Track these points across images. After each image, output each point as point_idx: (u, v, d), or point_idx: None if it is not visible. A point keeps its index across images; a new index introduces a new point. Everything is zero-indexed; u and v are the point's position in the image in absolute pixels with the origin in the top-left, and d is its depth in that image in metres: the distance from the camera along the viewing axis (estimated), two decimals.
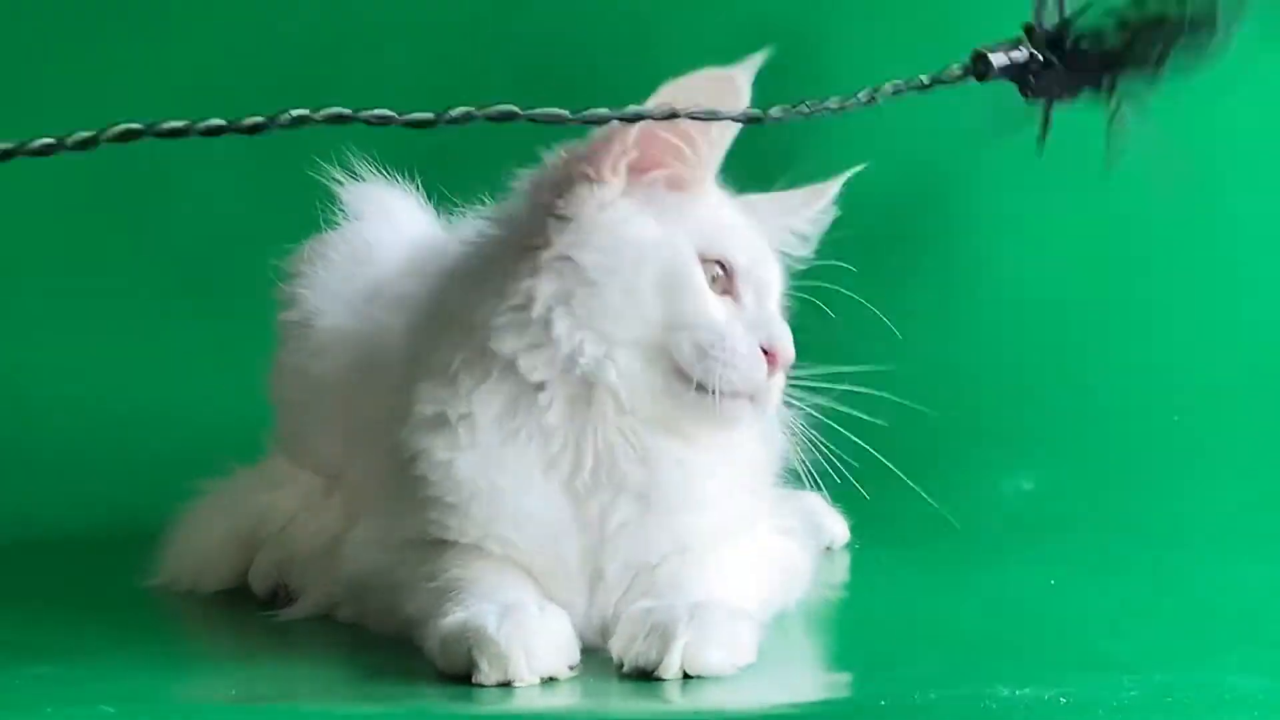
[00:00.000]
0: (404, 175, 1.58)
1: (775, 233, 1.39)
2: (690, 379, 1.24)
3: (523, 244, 1.27)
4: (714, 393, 1.23)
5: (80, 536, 1.82)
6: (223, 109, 2.17)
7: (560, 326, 1.24)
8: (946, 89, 1.18)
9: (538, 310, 1.25)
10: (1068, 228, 2.12)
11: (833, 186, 1.42)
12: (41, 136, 1.03)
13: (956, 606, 1.50)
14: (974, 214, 2.13)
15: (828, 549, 1.71)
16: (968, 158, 2.11)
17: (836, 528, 1.73)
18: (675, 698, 1.16)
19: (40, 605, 1.50)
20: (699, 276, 1.26)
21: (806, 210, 1.42)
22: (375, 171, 1.58)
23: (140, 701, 1.16)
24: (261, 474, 1.57)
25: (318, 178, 1.56)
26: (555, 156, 1.29)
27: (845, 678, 1.33)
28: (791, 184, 1.41)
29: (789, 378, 1.31)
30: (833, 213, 1.43)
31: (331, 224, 1.57)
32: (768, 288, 1.31)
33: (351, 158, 1.57)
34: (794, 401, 1.33)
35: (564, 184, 1.28)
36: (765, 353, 1.26)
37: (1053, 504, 1.92)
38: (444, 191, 1.54)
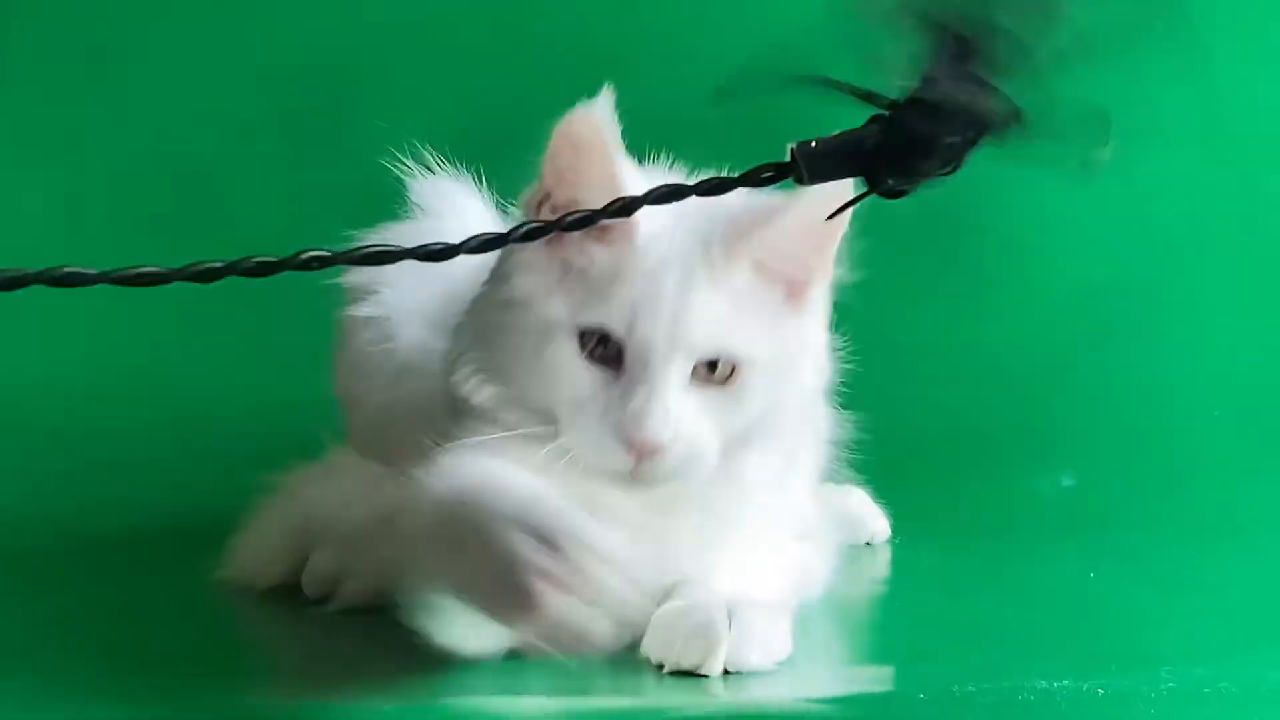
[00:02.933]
0: (463, 167, 1.56)
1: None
2: None
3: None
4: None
5: (144, 534, 1.81)
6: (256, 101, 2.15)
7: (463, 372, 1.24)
8: None
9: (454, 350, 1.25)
10: (1106, 224, 2.11)
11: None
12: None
13: (996, 600, 1.49)
14: (1011, 210, 2.11)
15: (868, 544, 1.70)
16: (1002, 153, 2.10)
17: (878, 523, 1.71)
18: (719, 692, 1.15)
19: (99, 602, 1.50)
20: (562, 347, 1.19)
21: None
22: (441, 164, 1.54)
23: (190, 697, 1.16)
24: (317, 468, 1.52)
25: (389, 165, 1.53)
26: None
27: (885, 670, 1.31)
28: None
29: None
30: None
31: (398, 216, 1.54)
32: (660, 353, 1.18)
33: (419, 149, 1.54)
34: None
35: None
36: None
37: (1093, 500, 1.90)
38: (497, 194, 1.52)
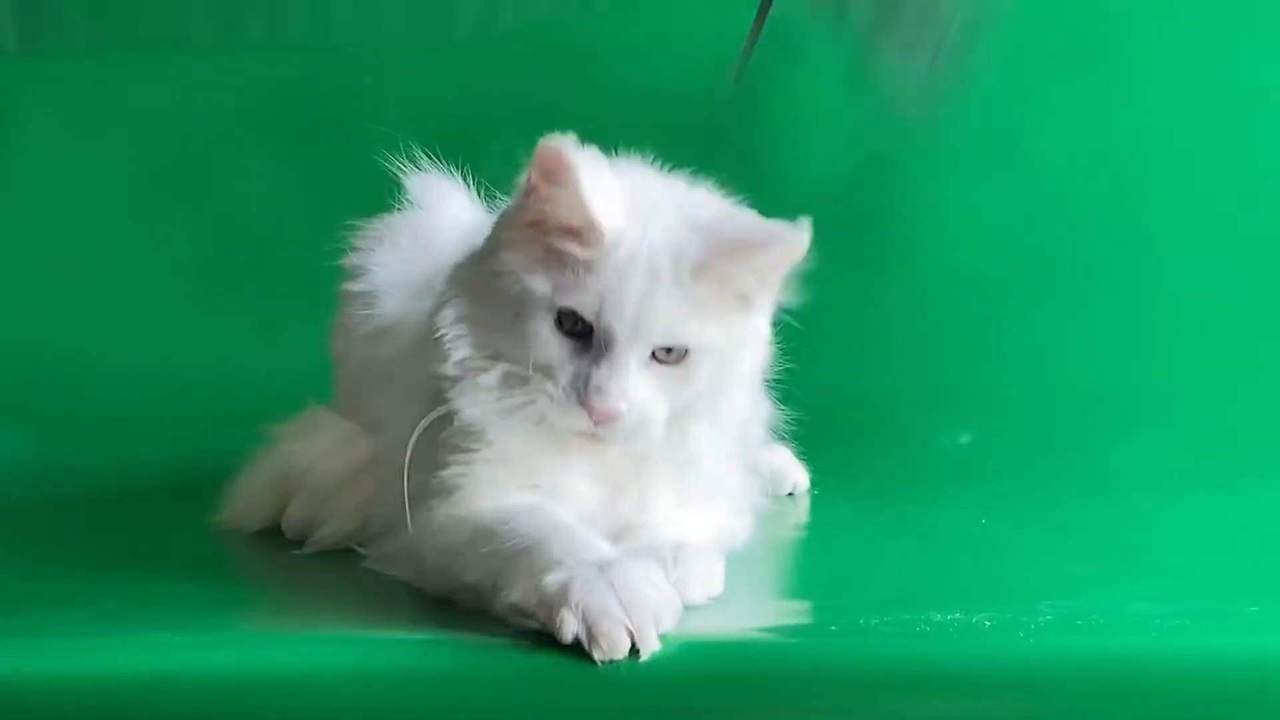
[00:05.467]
0: (456, 166, 1.59)
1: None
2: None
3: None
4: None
5: (152, 487, 1.84)
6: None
7: (446, 313, 1.28)
8: None
9: (440, 321, 1.29)
10: (999, 208, 2.12)
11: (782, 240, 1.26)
12: None
13: (900, 544, 1.51)
14: (911, 192, 2.13)
15: (791, 494, 1.74)
16: (908, 145, 2.12)
17: (800, 476, 1.75)
18: None
19: (117, 547, 1.52)
20: (541, 320, 1.24)
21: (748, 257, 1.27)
22: (432, 162, 1.58)
23: (196, 633, 1.19)
24: (297, 423, 1.58)
25: (383, 162, 1.56)
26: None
27: (802, 605, 1.34)
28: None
29: None
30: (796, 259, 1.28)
31: (393, 208, 1.58)
32: (623, 339, 1.24)
33: (413, 149, 1.57)
34: None
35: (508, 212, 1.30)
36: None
37: (988, 455, 1.93)
38: (487, 183, 1.54)
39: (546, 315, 1.25)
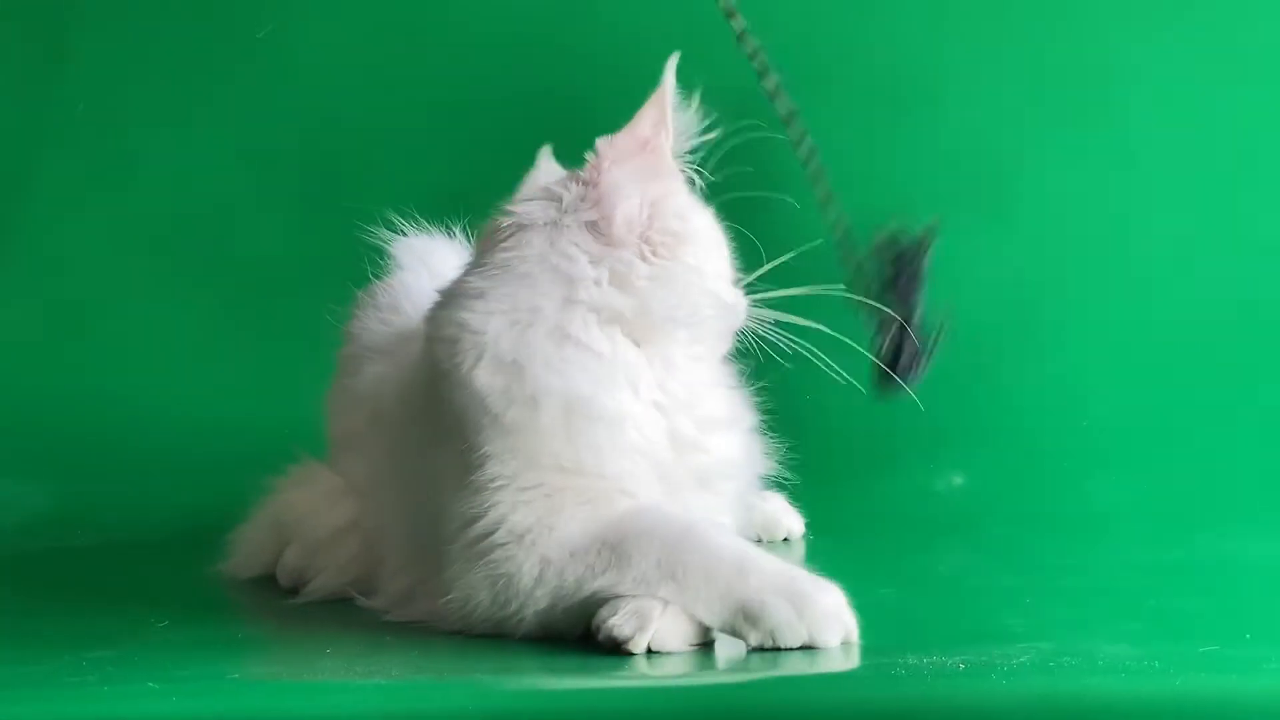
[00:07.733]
0: (448, 225, 1.61)
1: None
2: None
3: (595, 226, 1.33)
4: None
5: (162, 536, 1.86)
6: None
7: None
8: None
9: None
10: (991, 255, 2.11)
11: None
12: None
13: (884, 588, 1.50)
14: None
15: (785, 540, 1.74)
16: (909, 197, 2.11)
17: (793, 523, 1.76)
18: (645, 669, 1.19)
19: (116, 596, 1.54)
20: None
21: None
22: (419, 226, 1.60)
23: (183, 681, 1.18)
24: (293, 474, 1.60)
25: (374, 235, 1.60)
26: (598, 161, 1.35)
27: (781, 653, 1.29)
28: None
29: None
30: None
31: (382, 273, 1.60)
32: None
33: (396, 214, 1.60)
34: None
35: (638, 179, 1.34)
36: None
37: (980, 498, 1.94)
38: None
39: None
